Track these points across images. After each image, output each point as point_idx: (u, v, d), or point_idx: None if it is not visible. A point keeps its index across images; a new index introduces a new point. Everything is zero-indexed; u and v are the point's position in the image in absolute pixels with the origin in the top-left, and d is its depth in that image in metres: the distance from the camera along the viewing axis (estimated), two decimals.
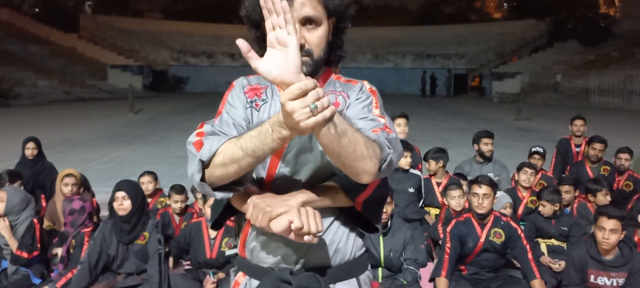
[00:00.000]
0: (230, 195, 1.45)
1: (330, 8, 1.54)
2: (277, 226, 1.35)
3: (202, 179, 1.39)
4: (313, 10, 1.48)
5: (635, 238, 4.09)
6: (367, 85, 1.65)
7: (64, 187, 4.69)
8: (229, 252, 4.12)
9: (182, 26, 39.48)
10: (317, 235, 1.36)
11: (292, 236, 1.35)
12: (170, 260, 4.38)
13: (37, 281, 4.02)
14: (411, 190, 5.13)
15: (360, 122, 1.46)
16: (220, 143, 1.39)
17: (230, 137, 1.41)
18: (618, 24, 33.58)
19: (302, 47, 1.46)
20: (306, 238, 1.33)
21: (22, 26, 34.17)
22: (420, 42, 39.04)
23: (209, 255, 4.10)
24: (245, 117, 1.57)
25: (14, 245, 4.17)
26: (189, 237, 4.20)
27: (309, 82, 1.12)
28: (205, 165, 1.38)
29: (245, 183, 1.47)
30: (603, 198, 4.94)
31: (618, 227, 3.50)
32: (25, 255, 4.10)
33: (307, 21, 1.49)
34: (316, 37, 1.51)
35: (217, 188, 1.43)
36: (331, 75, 1.67)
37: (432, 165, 5.37)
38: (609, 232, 3.50)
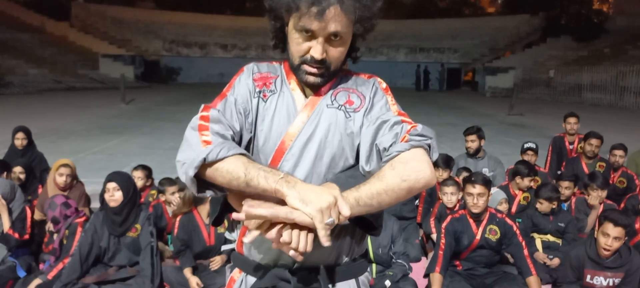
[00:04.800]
0: (209, 192, 1.41)
1: (361, 26, 1.49)
2: (269, 233, 1.30)
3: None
4: (342, 27, 1.43)
5: (637, 226, 4.08)
6: (379, 83, 1.64)
7: (59, 177, 4.64)
8: (228, 236, 4.09)
9: (175, 16, 39.14)
10: (303, 254, 1.30)
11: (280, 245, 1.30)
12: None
13: (22, 274, 3.95)
14: None
15: (386, 137, 1.45)
16: (229, 152, 1.33)
17: (244, 153, 1.36)
18: (611, 21, 33.64)
19: (322, 61, 1.45)
20: (291, 253, 1.27)
21: (12, 14, 33.68)
22: (414, 35, 38.92)
23: (208, 242, 4.11)
24: (245, 108, 1.53)
25: (7, 224, 4.11)
26: (188, 230, 4.15)
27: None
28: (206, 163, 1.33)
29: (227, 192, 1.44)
30: (598, 193, 4.88)
31: (622, 234, 3.48)
32: (16, 235, 4.05)
33: (334, 35, 1.44)
34: (338, 52, 1.49)
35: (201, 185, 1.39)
36: (341, 72, 1.64)
37: (444, 174, 5.27)
38: (612, 239, 3.48)
